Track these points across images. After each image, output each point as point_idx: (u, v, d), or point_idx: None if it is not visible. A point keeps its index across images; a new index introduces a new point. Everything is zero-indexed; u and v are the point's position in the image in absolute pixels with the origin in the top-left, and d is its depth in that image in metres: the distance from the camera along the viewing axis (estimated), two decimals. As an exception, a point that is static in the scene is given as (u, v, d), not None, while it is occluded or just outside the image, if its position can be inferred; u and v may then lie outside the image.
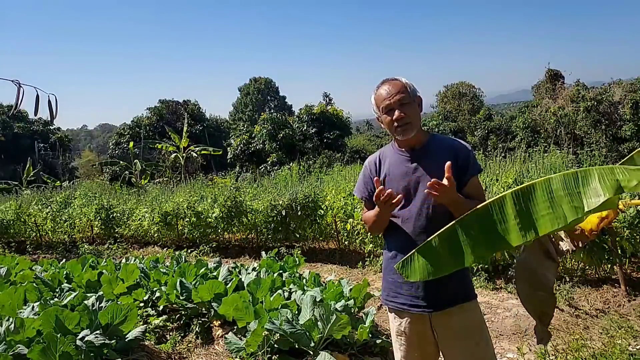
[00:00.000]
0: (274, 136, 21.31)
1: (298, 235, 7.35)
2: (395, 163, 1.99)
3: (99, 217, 9.59)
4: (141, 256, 6.76)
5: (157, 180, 14.63)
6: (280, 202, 7.12)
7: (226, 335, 3.52)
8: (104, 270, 4.91)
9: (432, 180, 1.72)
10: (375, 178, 1.87)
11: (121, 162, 17.35)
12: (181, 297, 4.13)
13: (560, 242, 1.91)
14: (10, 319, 3.04)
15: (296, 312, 3.47)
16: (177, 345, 3.69)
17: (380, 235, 5.72)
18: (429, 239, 1.52)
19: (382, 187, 1.82)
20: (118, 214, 9.57)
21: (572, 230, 1.88)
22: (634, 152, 1.78)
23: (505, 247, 1.41)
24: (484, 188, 2.67)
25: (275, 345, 3.25)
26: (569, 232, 1.88)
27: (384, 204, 1.82)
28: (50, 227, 10.40)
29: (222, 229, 7.93)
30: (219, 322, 3.97)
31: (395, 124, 1.89)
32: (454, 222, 1.51)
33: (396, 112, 1.87)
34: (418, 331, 1.95)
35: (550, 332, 3.52)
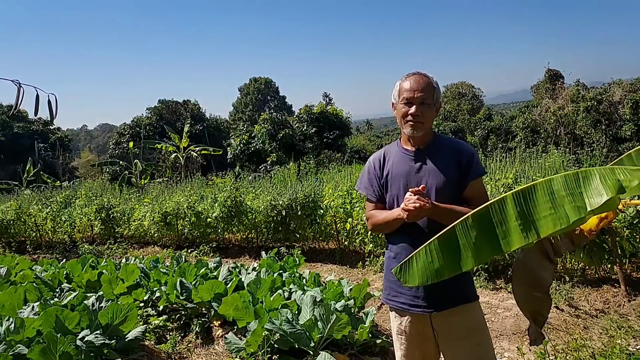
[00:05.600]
0: (274, 136, 21.30)
1: (298, 235, 7.35)
2: (398, 161, 1.99)
3: (99, 217, 9.58)
4: (141, 256, 6.76)
5: (158, 180, 14.61)
6: (280, 202, 7.11)
7: (226, 335, 3.52)
8: (104, 270, 4.91)
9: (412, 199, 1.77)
10: (422, 185, 1.83)
11: (121, 162, 17.33)
12: (181, 297, 4.13)
13: (559, 243, 1.91)
14: (10, 319, 3.04)
15: (296, 312, 3.47)
16: (177, 345, 3.69)
17: (380, 235, 5.74)
18: (427, 243, 1.50)
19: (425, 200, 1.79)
20: (118, 214, 9.56)
21: (572, 230, 1.87)
22: (631, 150, 1.78)
23: (506, 250, 1.39)
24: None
25: (275, 345, 3.25)
26: (568, 232, 1.88)
27: (414, 216, 1.80)
28: (50, 227, 10.40)
29: (222, 229, 7.93)
30: (219, 322, 3.97)
31: (408, 117, 1.89)
32: (452, 225, 1.48)
33: (413, 108, 1.88)
34: (418, 331, 1.95)
35: (547, 333, 3.54)
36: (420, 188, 1.80)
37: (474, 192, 1.91)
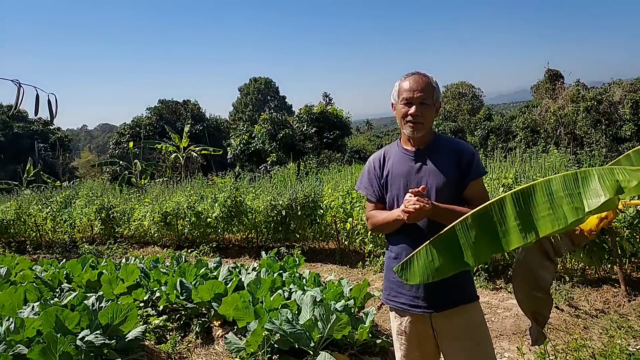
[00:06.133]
0: (274, 136, 21.28)
1: (298, 235, 7.35)
2: (398, 161, 1.99)
3: (99, 217, 9.59)
4: (141, 256, 6.76)
5: (158, 180, 14.62)
6: (280, 202, 7.12)
7: (226, 335, 3.53)
8: (104, 270, 4.91)
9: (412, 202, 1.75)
10: (422, 186, 1.82)
11: (121, 162, 17.33)
12: (181, 297, 4.13)
13: (560, 243, 1.91)
14: (11, 319, 3.05)
15: (296, 312, 3.47)
16: (177, 345, 3.69)
17: (381, 235, 5.74)
18: (428, 242, 1.51)
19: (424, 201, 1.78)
20: (118, 214, 9.57)
21: (572, 230, 1.87)
22: (630, 151, 1.78)
23: (505, 249, 1.40)
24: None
25: (275, 345, 3.25)
26: (569, 232, 1.88)
27: (414, 217, 1.79)
28: (50, 227, 10.40)
29: (222, 229, 7.93)
30: (219, 322, 3.97)
31: (408, 118, 1.89)
32: (453, 224, 1.49)
33: (413, 108, 1.87)
34: (418, 331, 1.95)
35: (547, 333, 3.55)
36: (420, 189, 1.79)
37: (474, 192, 1.90)
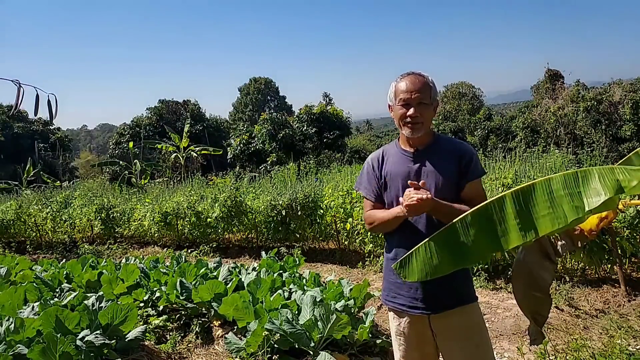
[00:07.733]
0: (274, 136, 21.29)
1: (298, 235, 7.35)
2: (397, 162, 1.97)
3: (99, 217, 9.59)
4: (141, 256, 6.76)
5: (158, 180, 14.63)
6: (280, 202, 7.12)
7: (226, 335, 3.53)
8: (104, 270, 4.91)
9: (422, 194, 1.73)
10: (422, 181, 1.82)
11: (121, 162, 17.34)
12: (181, 297, 4.13)
13: (560, 243, 1.91)
14: (10, 319, 3.04)
15: (296, 312, 3.47)
16: (177, 345, 3.69)
17: (381, 235, 5.74)
18: (427, 239, 1.51)
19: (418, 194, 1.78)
20: (118, 214, 9.57)
21: (572, 230, 1.87)
22: (633, 152, 1.78)
23: (504, 248, 1.40)
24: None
25: (276, 345, 3.25)
26: (569, 232, 1.88)
27: (415, 210, 1.78)
28: (50, 227, 10.40)
29: (222, 229, 7.93)
30: (219, 322, 3.97)
31: (407, 119, 1.87)
32: (452, 222, 1.49)
33: (412, 109, 1.85)
34: (417, 332, 1.95)
35: (547, 333, 3.55)
36: (420, 183, 1.79)
37: (472, 192, 1.89)
